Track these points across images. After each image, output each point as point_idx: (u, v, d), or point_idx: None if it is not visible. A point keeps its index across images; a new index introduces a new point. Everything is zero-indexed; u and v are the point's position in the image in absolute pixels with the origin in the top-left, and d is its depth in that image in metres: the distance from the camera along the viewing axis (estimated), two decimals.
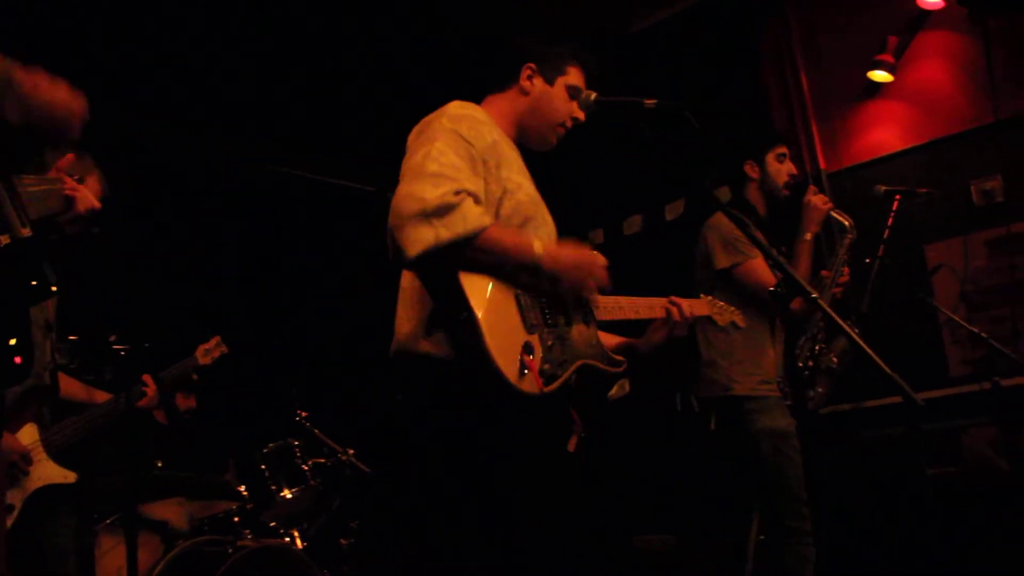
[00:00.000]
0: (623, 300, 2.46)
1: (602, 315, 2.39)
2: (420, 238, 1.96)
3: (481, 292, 2.04)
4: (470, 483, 2.14)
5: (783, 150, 3.71)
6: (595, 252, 2.27)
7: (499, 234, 2.07)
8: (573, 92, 2.44)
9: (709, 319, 2.85)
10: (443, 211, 1.97)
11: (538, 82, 2.43)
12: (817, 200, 3.55)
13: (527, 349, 2.05)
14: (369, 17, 4.97)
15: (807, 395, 3.59)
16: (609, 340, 2.52)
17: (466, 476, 2.14)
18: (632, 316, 2.47)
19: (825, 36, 5.16)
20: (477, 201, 2.07)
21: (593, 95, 2.43)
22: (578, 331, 2.28)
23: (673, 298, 2.56)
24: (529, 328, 2.10)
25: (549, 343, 2.13)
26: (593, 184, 5.48)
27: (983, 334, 3.76)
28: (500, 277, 2.09)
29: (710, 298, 2.87)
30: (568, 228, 2.41)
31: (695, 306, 2.64)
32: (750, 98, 5.27)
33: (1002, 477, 4.04)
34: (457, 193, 2.00)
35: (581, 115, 2.45)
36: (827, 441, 3.87)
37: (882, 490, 4.25)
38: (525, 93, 2.43)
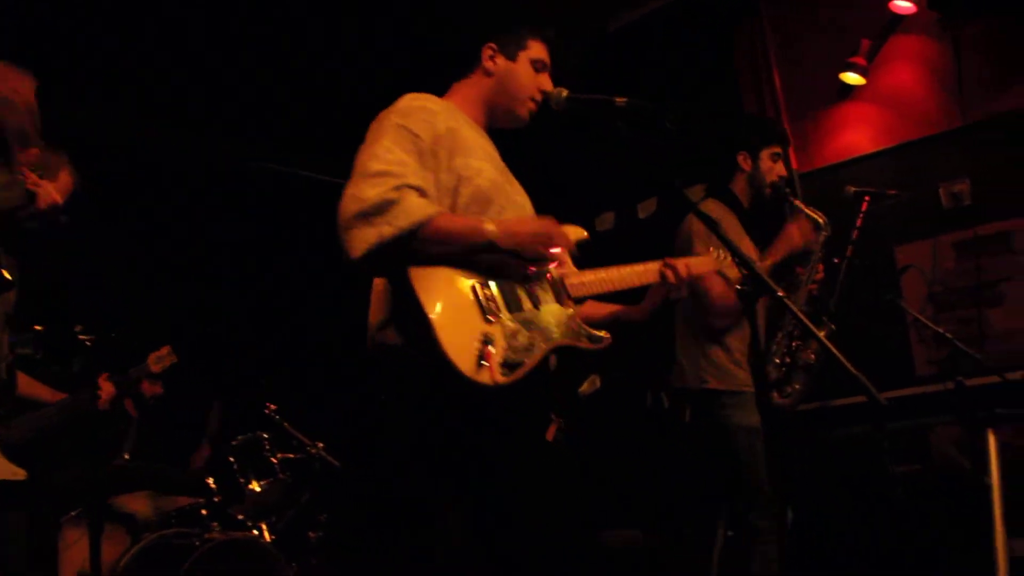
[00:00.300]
0: (612, 272, 2.41)
1: (581, 291, 2.35)
2: (363, 238, 1.98)
3: (434, 286, 2.05)
4: (440, 475, 2.14)
5: (778, 150, 3.74)
6: (552, 219, 2.25)
7: (446, 221, 2.08)
8: (538, 65, 2.46)
9: (722, 276, 2.76)
10: (383, 208, 1.99)
11: (500, 60, 2.44)
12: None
13: (486, 340, 2.03)
14: (365, 15, 4.97)
15: (772, 393, 3.60)
16: (600, 310, 2.50)
17: (436, 468, 2.15)
18: (621, 287, 2.41)
19: (799, 38, 5.19)
20: (422, 194, 2.09)
21: (565, 92, 2.43)
22: (549, 313, 2.25)
23: (668, 260, 2.45)
24: (488, 318, 2.09)
25: (512, 331, 2.12)
26: (566, 181, 5.46)
27: (948, 334, 3.78)
28: (458, 266, 2.10)
29: (717, 253, 2.73)
30: None
31: (696, 265, 2.53)
32: (725, 98, 5.29)
33: (965, 475, 4.06)
34: (397, 189, 2.02)
35: (549, 86, 2.45)
36: (794, 440, 3.83)
37: (848, 488, 4.28)
38: (489, 74, 2.45)
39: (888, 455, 4.09)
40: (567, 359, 2.33)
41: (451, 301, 2.06)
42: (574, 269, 2.44)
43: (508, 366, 2.05)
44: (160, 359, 3.72)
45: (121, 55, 4.76)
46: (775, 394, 3.62)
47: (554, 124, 2.52)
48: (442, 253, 2.07)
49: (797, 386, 3.63)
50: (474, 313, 2.08)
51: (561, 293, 2.32)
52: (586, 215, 5.70)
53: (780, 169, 3.72)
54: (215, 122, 5.40)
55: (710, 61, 5.38)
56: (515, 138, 2.53)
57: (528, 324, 2.16)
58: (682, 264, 2.42)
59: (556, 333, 2.22)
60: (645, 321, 2.44)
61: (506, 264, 2.16)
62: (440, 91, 2.46)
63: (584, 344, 2.27)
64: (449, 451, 2.11)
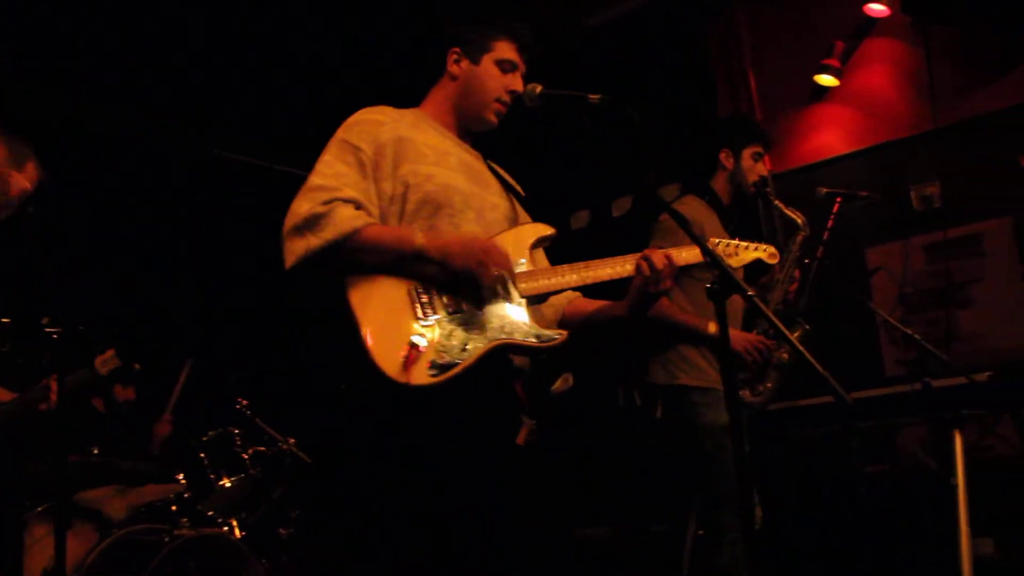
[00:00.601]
0: (579, 268, 2.32)
1: (533, 290, 2.29)
2: (293, 249, 2.10)
3: (367, 290, 2.12)
4: (392, 474, 2.14)
5: (760, 149, 3.79)
6: (493, 239, 2.24)
7: (374, 232, 2.13)
8: (505, 66, 2.44)
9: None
10: (312, 221, 2.09)
11: (464, 64, 2.45)
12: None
13: (415, 341, 2.06)
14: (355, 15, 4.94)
15: (743, 392, 3.63)
16: (587, 306, 2.45)
17: (388, 468, 2.15)
18: (582, 283, 2.32)
19: (773, 39, 5.23)
20: (357, 206, 2.16)
21: (539, 88, 2.41)
22: (494, 313, 2.21)
23: (647, 251, 2.30)
24: (422, 319, 2.12)
25: (448, 331, 2.13)
26: (541, 178, 5.38)
27: (916, 336, 3.79)
28: (393, 273, 2.14)
29: (719, 240, 2.64)
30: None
31: (680, 256, 2.37)
32: (700, 98, 5.30)
33: (931, 475, 4.10)
34: (327, 203, 2.11)
35: (518, 86, 2.43)
36: (764, 439, 3.86)
37: (817, 487, 4.31)
38: (454, 78, 2.46)
39: (856, 455, 4.10)
40: (538, 359, 2.32)
41: (383, 303, 2.11)
42: (547, 265, 2.41)
43: (438, 367, 2.06)
44: (105, 362, 3.69)
45: (85, 42, 4.72)
46: (747, 392, 3.64)
47: (529, 120, 2.50)
48: (374, 263, 2.13)
49: (769, 385, 3.65)
50: (406, 315, 2.11)
51: (510, 292, 2.27)
52: (561, 213, 5.73)
53: (761, 168, 3.77)
54: (187, 113, 5.36)
55: (685, 61, 5.41)
56: (488, 135, 2.53)
57: (468, 324, 2.16)
58: (660, 255, 2.28)
59: (499, 332, 2.18)
60: (629, 317, 2.33)
61: (443, 277, 2.17)
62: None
63: (531, 343, 2.20)
64: (399, 451, 2.13)
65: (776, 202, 3.75)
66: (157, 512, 3.91)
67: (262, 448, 4.34)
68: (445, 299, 2.18)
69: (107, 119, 5.12)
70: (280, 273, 2.14)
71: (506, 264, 2.19)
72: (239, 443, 4.24)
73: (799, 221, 3.72)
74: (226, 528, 4.00)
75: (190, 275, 5.61)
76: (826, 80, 4.93)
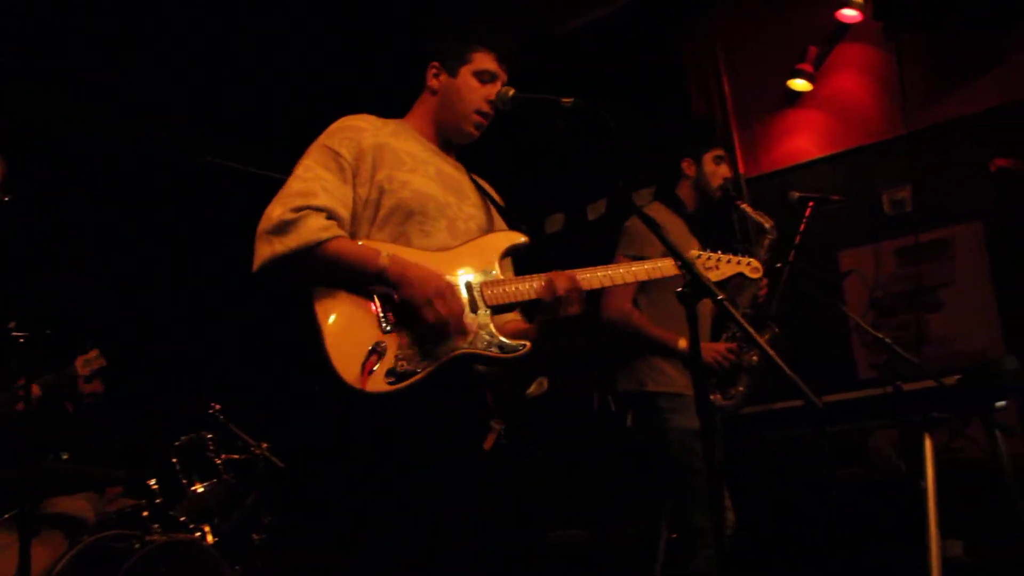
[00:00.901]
0: (519, 282, 2.30)
1: (499, 299, 2.28)
2: (260, 253, 2.13)
3: (332, 297, 2.13)
4: (361, 479, 2.17)
5: (721, 152, 3.80)
6: (453, 283, 2.21)
7: (341, 246, 2.15)
8: (484, 77, 2.45)
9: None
10: (281, 228, 2.11)
11: (443, 78, 2.47)
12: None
13: (376, 349, 2.07)
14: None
15: (715, 396, 3.64)
16: (521, 324, 2.43)
17: (358, 472, 2.18)
18: (520, 298, 2.29)
19: (747, 44, 5.24)
20: (331, 216, 2.17)
21: (511, 91, 2.42)
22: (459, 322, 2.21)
23: (554, 272, 2.29)
24: (386, 328, 2.13)
25: (411, 340, 2.14)
26: (516, 182, 5.34)
27: (887, 339, 3.80)
28: (355, 286, 2.15)
29: (700, 252, 2.63)
30: None
31: (577, 279, 2.30)
32: (674, 103, 5.31)
33: (901, 477, 4.14)
34: (299, 210, 2.13)
35: (494, 96, 2.44)
36: (737, 442, 3.86)
37: (789, 489, 4.33)
38: (434, 92, 2.49)
39: (828, 457, 4.17)
40: (506, 366, 2.29)
41: (346, 311, 2.13)
42: (511, 276, 2.41)
43: (396, 375, 2.07)
44: (88, 362, 3.67)
45: (55, 39, 4.68)
46: (719, 396, 3.65)
47: (505, 124, 2.53)
48: (330, 274, 2.14)
49: (741, 388, 3.66)
50: (370, 323, 2.13)
51: (476, 301, 2.27)
52: (536, 216, 5.74)
53: (724, 171, 3.77)
54: (158, 114, 5.32)
55: (659, 66, 5.42)
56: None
57: (432, 334, 2.16)
58: (564, 278, 2.27)
59: (462, 342, 2.19)
60: (544, 342, 2.29)
61: (395, 303, 2.15)
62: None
63: (494, 353, 2.21)
64: (364, 457, 2.15)
65: (743, 205, 3.77)
66: (128, 518, 3.87)
67: (235, 454, 4.30)
68: (404, 308, 2.17)
69: (96, 122, 5.07)
70: (251, 276, 2.16)
71: (456, 310, 2.15)
72: (212, 448, 4.21)
73: (766, 225, 3.74)
74: (198, 534, 3.97)
75: (168, 278, 5.56)
76: (799, 85, 4.95)
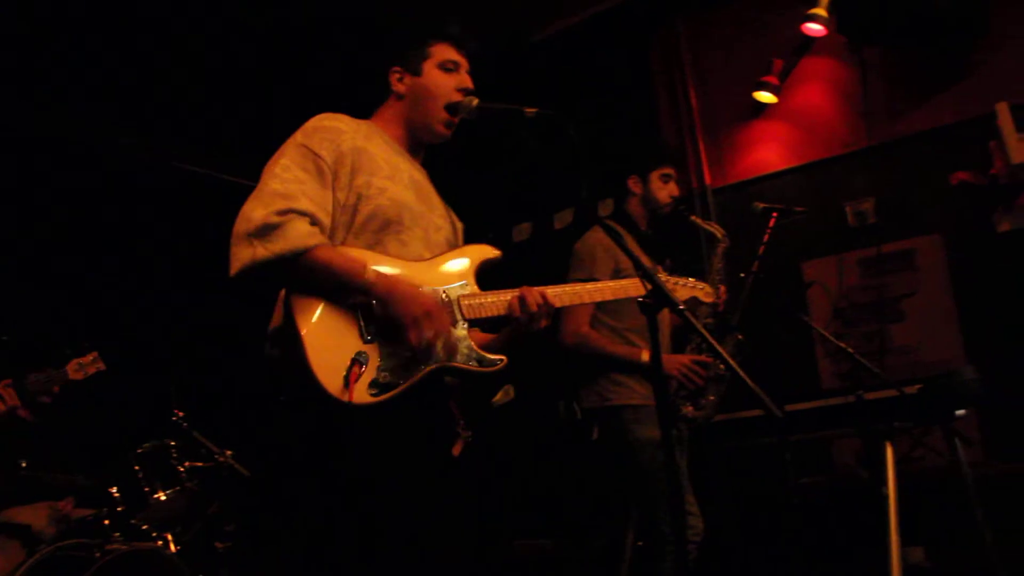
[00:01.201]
0: (494, 296, 2.31)
1: (476, 313, 2.29)
2: (239, 256, 2.03)
3: (313, 304, 2.07)
4: (327, 492, 2.13)
5: (669, 171, 3.80)
6: (440, 305, 2.20)
7: (327, 254, 2.08)
8: (448, 66, 2.45)
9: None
10: (265, 231, 2.02)
11: (408, 79, 2.46)
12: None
13: (357, 359, 2.04)
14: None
15: (686, 407, 3.63)
16: (485, 337, 2.44)
17: (323, 484, 2.14)
18: (495, 313, 2.31)
19: (715, 55, 5.26)
20: (313, 221, 2.11)
21: (475, 101, 2.42)
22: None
23: (525, 288, 2.30)
24: (367, 338, 2.10)
25: (392, 351, 2.11)
26: (484, 191, 5.42)
27: (849, 349, 3.83)
28: (337, 295, 2.11)
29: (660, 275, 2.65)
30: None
31: (552, 294, 2.32)
32: (642, 113, 5.34)
33: (864, 486, 4.14)
34: (284, 213, 2.05)
35: (468, 82, 2.45)
36: (703, 451, 3.91)
37: (753, 498, 4.35)
38: (401, 96, 2.47)
39: (791, 466, 4.18)
40: (463, 381, 2.32)
41: (328, 319, 2.08)
42: (476, 290, 2.38)
43: (378, 386, 2.05)
44: (83, 366, 3.62)
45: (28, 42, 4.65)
46: (690, 408, 3.65)
47: (473, 133, 2.52)
48: (315, 283, 2.08)
49: (711, 398, 3.67)
50: (351, 332, 2.09)
51: (455, 314, 2.28)
52: (503, 225, 5.74)
53: (672, 189, 3.78)
54: (136, 119, 5.27)
55: (628, 77, 5.44)
56: (432, 147, 2.54)
57: (417, 350, 2.14)
58: (536, 294, 2.29)
59: (442, 355, 2.18)
60: (511, 354, 2.29)
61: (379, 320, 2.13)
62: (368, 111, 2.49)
63: (473, 367, 2.23)
64: (335, 468, 2.11)
65: (694, 218, 3.79)
66: (88, 527, 3.79)
67: (199, 461, 4.25)
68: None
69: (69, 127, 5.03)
70: (225, 280, 2.10)
71: (442, 330, 2.14)
72: (175, 456, 4.14)
73: (718, 234, 3.76)
74: (161, 543, 3.91)
75: (126, 282, 5.49)
76: (765, 97, 4.97)
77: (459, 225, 2.58)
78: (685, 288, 2.80)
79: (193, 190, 5.53)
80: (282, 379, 2.14)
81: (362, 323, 2.11)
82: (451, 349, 2.20)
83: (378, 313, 2.11)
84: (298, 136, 2.24)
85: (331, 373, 2.00)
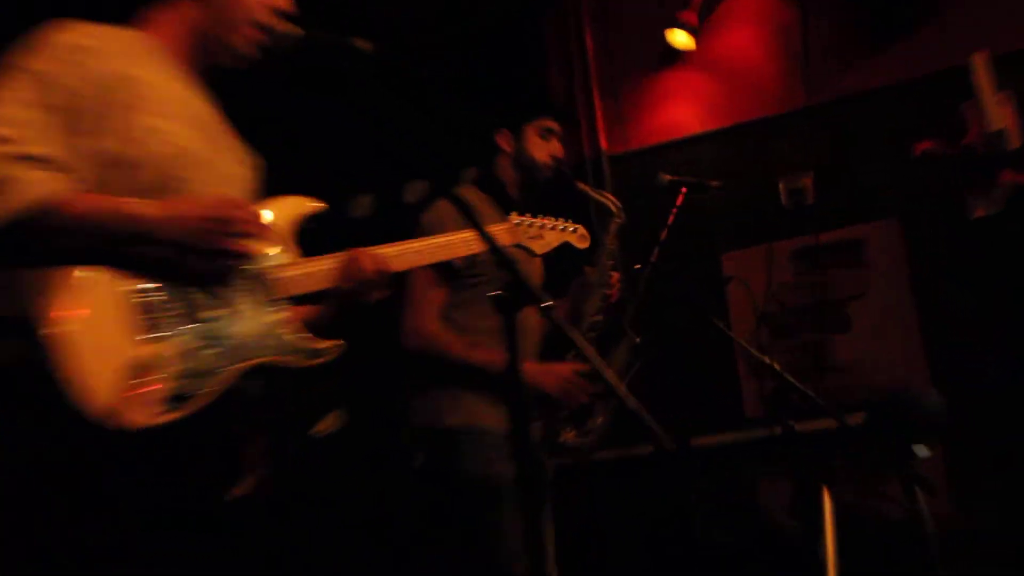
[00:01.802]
0: (313, 264, 2.07)
1: (295, 287, 2.02)
2: None
3: (59, 294, 1.74)
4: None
5: (550, 124, 3.44)
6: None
7: (82, 203, 1.78)
8: None
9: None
10: None
11: None
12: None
13: (139, 368, 1.74)
14: None
15: (567, 432, 3.21)
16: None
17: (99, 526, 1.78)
18: (318, 286, 2.08)
19: None
20: (59, 167, 1.79)
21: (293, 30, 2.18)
22: (245, 320, 1.93)
23: (354, 250, 2.11)
24: (153, 335, 1.80)
25: (184, 350, 1.82)
26: (315, 156, 5.01)
27: (776, 365, 3.42)
28: (100, 268, 1.77)
29: (520, 218, 2.53)
30: None
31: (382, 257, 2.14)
32: (521, 57, 5.06)
33: (795, 542, 3.80)
34: (10, 160, 1.74)
35: (283, 2, 2.14)
36: (580, 499, 3.69)
37: (646, 560, 3.98)
38: None
39: (700, 518, 3.83)
40: (279, 384, 2.00)
41: (88, 315, 1.76)
42: (297, 257, 2.13)
43: (174, 399, 1.75)
44: None
45: None
46: (571, 433, 3.21)
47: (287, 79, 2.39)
48: (75, 247, 1.75)
49: (600, 419, 3.24)
50: (122, 331, 1.77)
51: (265, 291, 1.99)
52: (336, 197, 5.27)
53: (554, 148, 3.45)
54: None
55: (513, 16, 5.06)
56: (242, 94, 2.21)
57: (211, 339, 1.84)
58: (368, 257, 2.10)
59: (255, 346, 1.91)
60: (327, 326, 2.07)
61: (171, 270, 1.83)
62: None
63: (296, 360, 1.97)
64: (118, 504, 1.78)
65: (581, 186, 3.47)
66: None
67: None
68: (180, 304, 1.84)
69: None
70: None
71: (261, 232, 1.92)
72: None
73: (612, 208, 3.41)
74: None
75: None
76: (680, 40, 4.58)
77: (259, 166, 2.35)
78: (554, 232, 2.65)
79: None
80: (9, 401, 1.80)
81: (138, 315, 1.79)
82: (268, 337, 1.96)
83: (166, 272, 1.81)
84: (19, 57, 1.87)
85: (97, 388, 1.70)
